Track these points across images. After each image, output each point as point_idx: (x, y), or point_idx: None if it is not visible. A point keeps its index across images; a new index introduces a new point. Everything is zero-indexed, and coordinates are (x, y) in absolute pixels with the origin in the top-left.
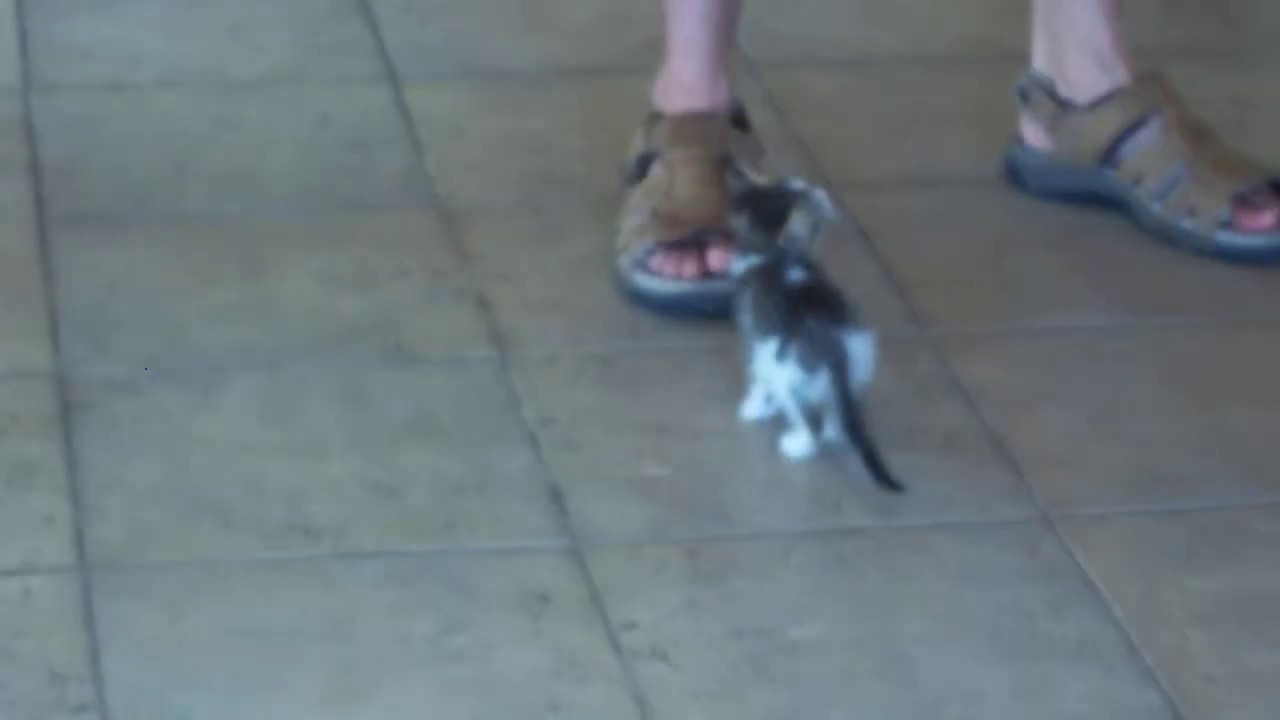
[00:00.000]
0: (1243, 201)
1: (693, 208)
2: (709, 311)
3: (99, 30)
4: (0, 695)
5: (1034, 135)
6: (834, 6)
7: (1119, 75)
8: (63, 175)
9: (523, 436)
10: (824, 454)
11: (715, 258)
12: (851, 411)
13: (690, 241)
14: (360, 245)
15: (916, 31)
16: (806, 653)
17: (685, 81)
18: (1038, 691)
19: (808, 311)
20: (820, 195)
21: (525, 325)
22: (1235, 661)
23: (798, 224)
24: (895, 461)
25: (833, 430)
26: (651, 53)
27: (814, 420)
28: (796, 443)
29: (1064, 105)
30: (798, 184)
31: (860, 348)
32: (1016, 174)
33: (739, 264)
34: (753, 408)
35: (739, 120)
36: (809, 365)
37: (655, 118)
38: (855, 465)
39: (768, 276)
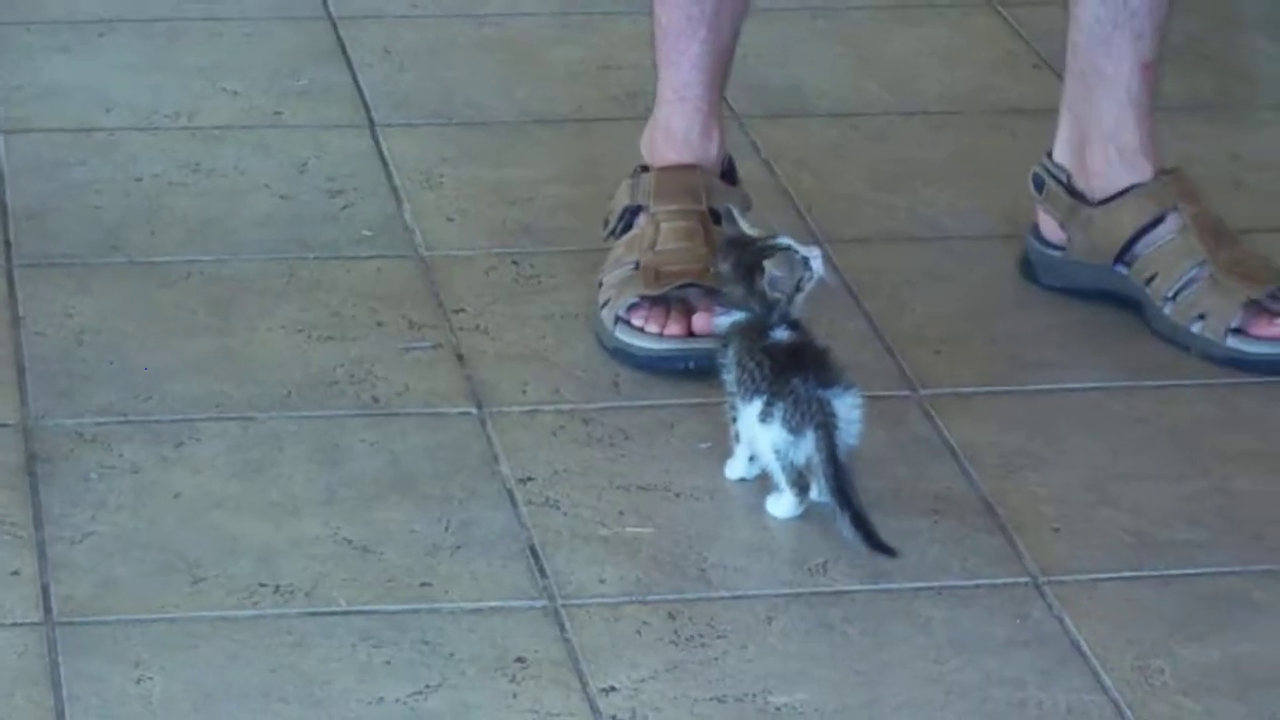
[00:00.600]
0: (1256, 308)
1: (677, 261)
2: (692, 369)
3: (70, 72)
4: None
5: (1049, 228)
6: (823, 58)
7: (1141, 170)
8: (32, 219)
9: (500, 494)
10: (810, 515)
11: (700, 321)
12: (839, 474)
13: (674, 296)
14: (336, 295)
15: (907, 84)
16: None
17: (675, 134)
18: None
19: (793, 372)
20: (816, 255)
21: (504, 379)
22: None
23: (773, 273)
24: (883, 524)
25: (819, 491)
26: (634, 101)
27: (799, 481)
28: (781, 504)
29: (1080, 198)
30: (792, 243)
31: (847, 408)
32: (1029, 269)
33: (722, 319)
34: (737, 467)
35: (728, 173)
36: (794, 427)
37: (641, 170)
38: (842, 527)
39: (752, 334)
